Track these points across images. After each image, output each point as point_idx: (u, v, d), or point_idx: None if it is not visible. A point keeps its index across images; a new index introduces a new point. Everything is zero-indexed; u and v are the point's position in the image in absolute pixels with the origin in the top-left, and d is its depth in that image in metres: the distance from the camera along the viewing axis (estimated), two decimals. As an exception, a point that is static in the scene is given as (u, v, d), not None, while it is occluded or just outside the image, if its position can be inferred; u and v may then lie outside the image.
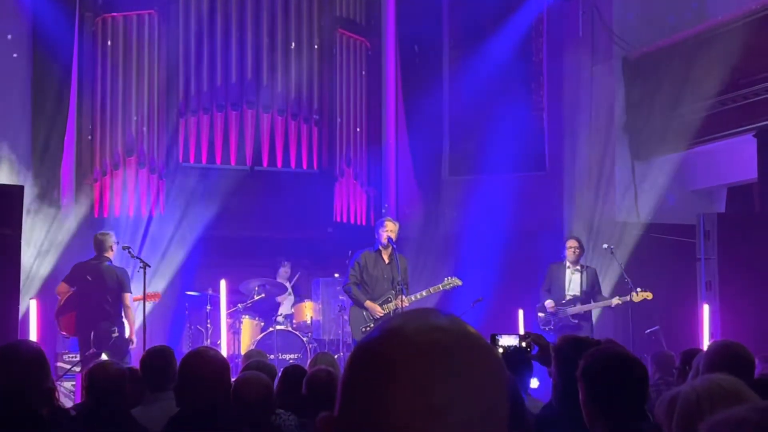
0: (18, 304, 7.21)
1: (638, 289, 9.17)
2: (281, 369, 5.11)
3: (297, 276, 11.03)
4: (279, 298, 10.81)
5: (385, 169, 12.32)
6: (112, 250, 8.79)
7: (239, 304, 10.08)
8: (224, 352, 9.13)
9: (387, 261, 8.74)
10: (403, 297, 8.54)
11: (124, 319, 8.69)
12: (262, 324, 10.17)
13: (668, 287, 9.71)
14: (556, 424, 3.36)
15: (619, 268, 9.67)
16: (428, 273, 11.32)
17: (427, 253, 11.62)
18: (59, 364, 9.27)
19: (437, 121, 12.38)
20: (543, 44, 12.01)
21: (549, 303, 9.57)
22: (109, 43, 10.96)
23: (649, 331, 9.52)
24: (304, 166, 11.31)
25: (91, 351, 8.62)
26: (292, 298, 10.91)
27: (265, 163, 11.13)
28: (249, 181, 11.13)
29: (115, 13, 11.01)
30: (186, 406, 3.36)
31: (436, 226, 11.83)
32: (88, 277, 8.70)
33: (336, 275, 10.44)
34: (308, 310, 10.40)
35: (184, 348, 9.61)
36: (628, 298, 9.18)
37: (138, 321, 8.81)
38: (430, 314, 1.05)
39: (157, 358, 4.78)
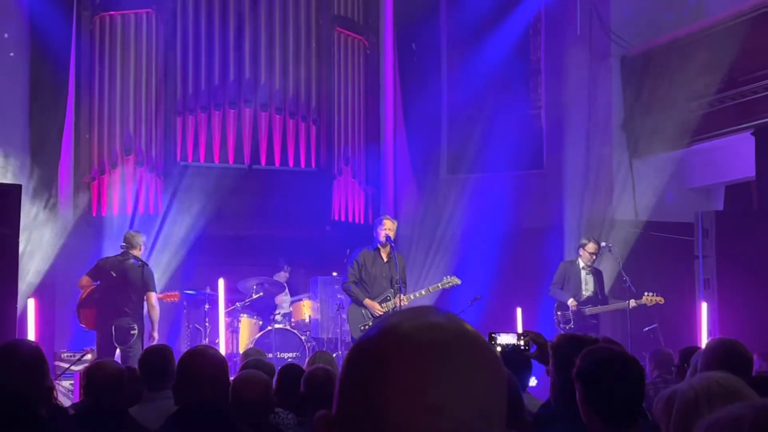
0: (16, 303, 7.21)
1: (651, 294, 9.16)
2: (279, 368, 5.11)
3: (287, 273, 10.98)
4: (277, 299, 10.80)
5: (383, 167, 12.32)
6: (140, 250, 8.79)
7: (237, 303, 10.07)
8: (222, 350, 9.13)
9: (385, 259, 8.74)
10: (402, 295, 8.54)
11: (147, 317, 8.69)
12: (261, 323, 10.17)
13: (666, 285, 9.71)
14: (555, 423, 3.36)
15: (617, 267, 9.67)
16: (426, 271, 11.33)
17: (425, 252, 11.62)
18: (57, 363, 9.26)
19: (435, 120, 12.37)
20: (541, 42, 12.01)
21: (572, 302, 9.38)
22: (106, 41, 10.96)
23: (647, 329, 9.51)
24: (302, 165, 11.30)
25: (89, 349, 8.66)
26: (288, 297, 10.90)
27: (263, 162, 11.13)
28: (247, 180, 11.13)
29: (112, 12, 11.00)
30: (184, 405, 3.36)
31: (434, 225, 11.83)
32: (113, 273, 8.71)
33: (334, 274, 10.44)
34: (306, 309, 10.40)
35: (183, 347, 9.61)
36: (643, 300, 9.16)
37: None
38: (428, 312, 1.05)
39: (155, 356, 4.78)
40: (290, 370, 4.88)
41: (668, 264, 10.14)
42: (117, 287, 8.64)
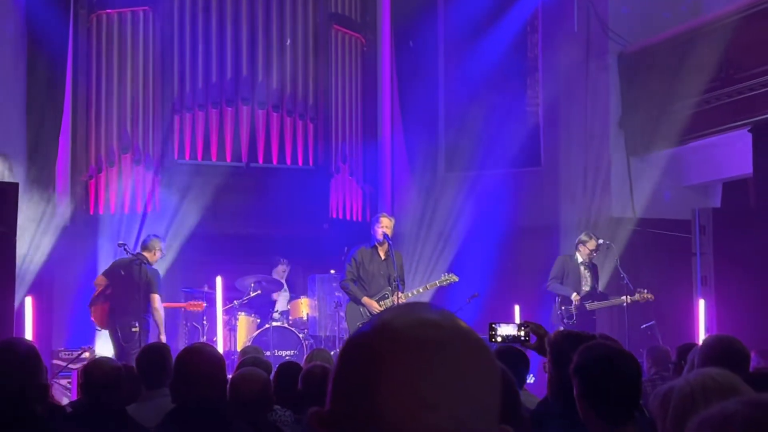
0: (13, 301, 7.21)
1: (644, 291, 9.17)
2: (277, 365, 5.11)
3: (286, 267, 10.97)
4: (275, 295, 10.79)
5: (380, 165, 12.32)
6: (154, 254, 8.88)
7: (235, 301, 10.07)
8: (220, 348, 9.14)
9: (383, 257, 8.74)
10: (400, 293, 8.54)
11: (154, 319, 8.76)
12: (258, 320, 10.17)
13: (664, 282, 9.72)
14: (552, 420, 3.36)
15: (615, 264, 9.67)
16: (424, 269, 11.33)
17: (423, 249, 11.62)
18: (55, 361, 9.26)
19: (433, 117, 12.37)
20: (538, 40, 12.01)
21: (575, 296, 9.35)
22: (103, 39, 10.95)
23: (645, 326, 9.52)
24: (300, 163, 11.30)
25: (86, 347, 8.68)
26: (287, 294, 10.90)
27: (260, 160, 11.12)
28: (244, 178, 11.12)
29: (109, 10, 10.99)
30: (182, 402, 3.36)
31: (431, 222, 11.83)
32: (122, 271, 8.88)
33: (332, 272, 10.44)
34: (304, 307, 10.40)
35: (181, 345, 9.60)
36: (635, 297, 9.18)
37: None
38: (421, 309, 1.05)
39: (153, 355, 4.78)
40: (289, 368, 4.88)
41: (665, 261, 10.15)
42: (123, 286, 8.79)
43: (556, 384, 3.42)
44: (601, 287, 9.80)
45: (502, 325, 4.04)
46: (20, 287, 8.79)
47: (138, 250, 9.00)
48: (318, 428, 1.03)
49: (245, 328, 10.02)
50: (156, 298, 8.73)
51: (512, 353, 4.70)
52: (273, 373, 5.02)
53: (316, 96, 11.53)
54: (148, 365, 4.69)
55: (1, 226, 7.04)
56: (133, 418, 4.10)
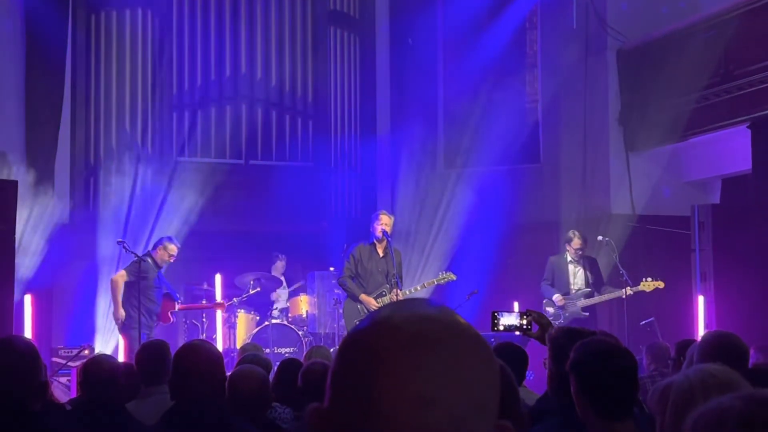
0: (12, 298, 7.22)
1: (648, 279, 9.13)
2: (277, 363, 5.10)
3: (283, 262, 10.96)
4: (273, 295, 10.79)
5: (379, 161, 12.32)
6: (158, 253, 8.98)
7: (234, 298, 10.07)
8: (220, 346, 9.14)
9: (382, 254, 8.73)
10: (398, 290, 8.54)
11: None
12: (258, 318, 10.17)
13: (663, 279, 9.71)
14: (551, 416, 3.36)
15: (613, 261, 9.66)
16: (423, 266, 11.33)
17: (421, 246, 11.62)
18: (54, 359, 9.25)
19: (431, 114, 12.37)
20: (537, 36, 12.00)
21: (557, 297, 9.41)
22: (102, 37, 10.94)
23: (644, 322, 9.52)
24: (299, 160, 11.30)
25: (86, 345, 8.70)
26: (287, 291, 10.90)
27: (259, 157, 11.12)
28: (243, 175, 11.12)
29: (108, 8, 10.98)
30: (180, 400, 3.35)
31: (430, 219, 11.83)
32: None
33: (331, 269, 10.44)
34: (304, 304, 10.40)
35: (180, 342, 9.59)
36: (639, 287, 9.13)
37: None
38: (420, 304, 1.05)
39: (152, 352, 4.78)
40: (290, 364, 4.88)
41: (665, 257, 10.14)
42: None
43: (556, 380, 3.42)
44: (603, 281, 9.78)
45: (504, 314, 4.06)
46: (19, 285, 8.79)
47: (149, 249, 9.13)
48: (317, 424, 1.03)
49: (245, 326, 10.02)
50: (116, 275, 8.97)
51: (511, 350, 4.70)
52: (274, 370, 5.02)
53: (315, 92, 11.53)
54: (147, 362, 4.70)
55: (1, 223, 7.04)
56: (133, 415, 4.11)
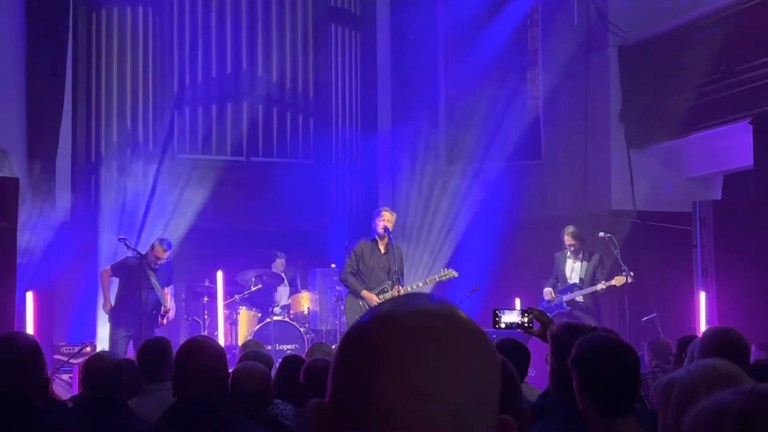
0: (14, 296, 7.22)
1: (621, 273, 9.25)
2: (279, 360, 5.10)
3: (283, 259, 10.96)
4: (276, 295, 10.79)
5: (380, 158, 12.32)
6: (149, 253, 8.96)
7: (236, 295, 10.08)
8: (222, 343, 9.13)
9: (383, 251, 8.73)
10: (400, 287, 8.54)
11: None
12: (259, 315, 10.18)
13: (664, 275, 9.71)
14: (553, 412, 3.36)
15: (615, 256, 9.66)
16: (424, 263, 11.33)
17: (423, 243, 11.63)
18: (56, 356, 9.26)
19: (433, 110, 12.37)
20: (538, 33, 11.99)
21: (546, 291, 9.67)
22: (103, 34, 10.93)
23: (645, 318, 9.52)
24: (300, 156, 11.30)
25: (87, 342, 8.74)
26: (287, 288, 10.90)
27: (261, 154, 11.12)
28: (245, 172, 11.12)
29: (109, 5, 10.97)
30: (183, 396, 3.35)
31: (432, 215, 11.83)
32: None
33: (333, 266, 10.44)
34: (305, 301, 10.40)
35: (182, 339, 9.58)
36: (612, 282, 9.25)
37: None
38: (421, 299, 1.05)
39: (154, 349, 4.78)
40: (292, 361, 4.88)
41: (666, 254, 10.14)
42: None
43: (558, 377, 3.42)
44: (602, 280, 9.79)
45: (505, 311, 4.06)
46: (21, 282, 8.79)
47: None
48: (318, 419, 1.03)
49: (246, 323, 10.03)
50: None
51: (513, 346, 4.70)
52: (276, 366, 5.03)
53: (316, 89, 11.53)
54: (149, 359, 4.70)
55: (2, 221, 7.04)
56: (135, 412, 4.11)
